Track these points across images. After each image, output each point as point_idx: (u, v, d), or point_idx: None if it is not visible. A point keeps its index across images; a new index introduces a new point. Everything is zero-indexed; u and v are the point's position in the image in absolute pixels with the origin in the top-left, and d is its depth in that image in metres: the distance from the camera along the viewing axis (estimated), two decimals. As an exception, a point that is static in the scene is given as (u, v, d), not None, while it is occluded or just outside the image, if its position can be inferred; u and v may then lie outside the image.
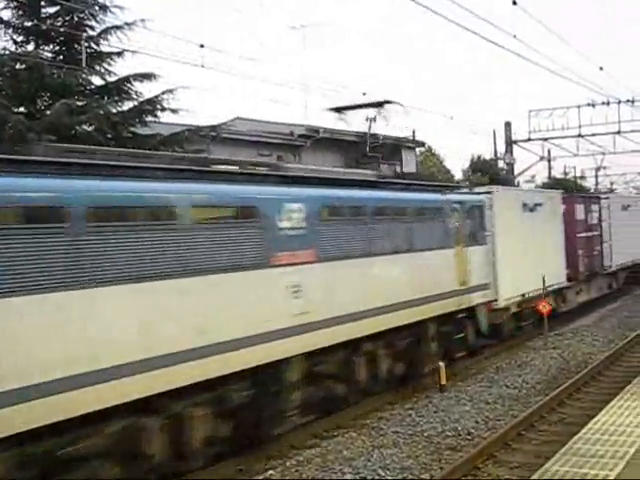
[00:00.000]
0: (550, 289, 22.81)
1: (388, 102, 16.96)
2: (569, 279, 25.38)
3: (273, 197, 11.69)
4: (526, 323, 22.15)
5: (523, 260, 21.06)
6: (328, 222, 12.65)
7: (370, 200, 14.14)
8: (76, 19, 18.38)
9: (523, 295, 21.26)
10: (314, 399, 12.79)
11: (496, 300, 19.41)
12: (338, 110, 16.90)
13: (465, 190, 20.61)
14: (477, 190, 20.55)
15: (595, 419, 9.85)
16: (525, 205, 22.40)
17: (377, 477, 10.81)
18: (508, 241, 20.25)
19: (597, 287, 29.82)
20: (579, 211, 27.60)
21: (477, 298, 17.84)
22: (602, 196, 31.87)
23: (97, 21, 18.58)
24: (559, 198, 25.78)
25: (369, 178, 15.11)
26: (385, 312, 13.83)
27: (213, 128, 20.34)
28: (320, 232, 12.37)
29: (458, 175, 52.41)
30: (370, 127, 18.09)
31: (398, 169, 26.20)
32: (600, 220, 29.92)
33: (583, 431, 9.26)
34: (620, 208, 32.96)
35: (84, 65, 17.58)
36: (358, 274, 13.27)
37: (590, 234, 28.42)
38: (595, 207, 29.67)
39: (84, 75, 17.87)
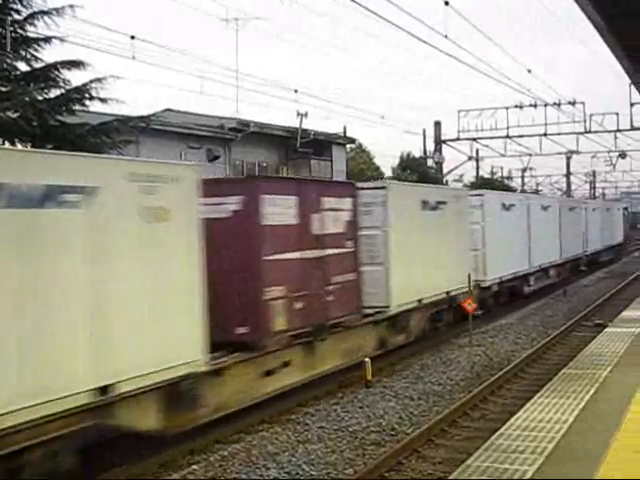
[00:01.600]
0: (121, 392, 9.54)
1: None
2: (228, 348, 12.58)
3: None
4: None
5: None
6: None
7: None
8: (1, 1, 17.88)
9: None
10: None
11: None
12: None
13: None
14: None
15: (516, 415, 9.98)
16: None
17: (301, 472, 10.82)
18: None
19: (343, 351, 15.76)
20: (282, 210, 13.77)
21: None
22: (367, 185, 18.27)
23: (24, 5, 18.13)
24: (193, 183, 11.08)
25: None
26: None
27: (142, 119, 20.10)
28: None
29: (388, 172, 52.90)
30: (301, 123, 17.89)
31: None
32: (356, 227, 16.27)
33: (504, 427, 9.38)
34: (419, 206, 19.33)
35: (9, 50, 17.12)
36: None
37: (320, 254, 14.81)
38: (341, 204, 15.70)
39: (9, 60, 17.41)
